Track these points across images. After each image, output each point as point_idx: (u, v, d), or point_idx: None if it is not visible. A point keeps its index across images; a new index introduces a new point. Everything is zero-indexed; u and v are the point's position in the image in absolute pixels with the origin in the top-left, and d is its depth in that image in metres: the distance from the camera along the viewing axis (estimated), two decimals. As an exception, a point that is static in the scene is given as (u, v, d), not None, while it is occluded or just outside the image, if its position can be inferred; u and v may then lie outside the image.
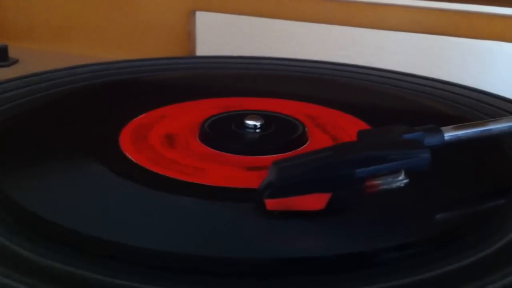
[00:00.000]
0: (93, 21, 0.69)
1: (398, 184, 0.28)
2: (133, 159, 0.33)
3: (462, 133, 0.32)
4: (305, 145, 0.36)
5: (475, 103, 0.45)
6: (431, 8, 0.58)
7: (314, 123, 0.39)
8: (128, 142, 0.35)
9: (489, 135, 0.33)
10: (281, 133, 0.36)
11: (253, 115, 0.37)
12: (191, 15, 0.64)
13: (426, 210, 0.30)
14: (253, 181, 0.29)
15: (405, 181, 0.28)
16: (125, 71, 0.50)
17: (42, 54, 0.69)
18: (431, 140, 0.31)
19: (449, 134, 0.32)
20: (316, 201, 0.28)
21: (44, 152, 0.34)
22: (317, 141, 0.36)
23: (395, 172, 0.28)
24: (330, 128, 0.39)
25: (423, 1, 0.58)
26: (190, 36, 0.64)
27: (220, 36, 0.63)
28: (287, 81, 0.50)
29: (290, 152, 0.34)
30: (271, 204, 0.28)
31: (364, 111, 0.41)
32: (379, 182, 0.28)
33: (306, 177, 0.28)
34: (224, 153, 0.34)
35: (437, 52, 0.59)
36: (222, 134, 0.36)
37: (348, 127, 0.39)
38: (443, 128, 0.32)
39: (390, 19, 0.59)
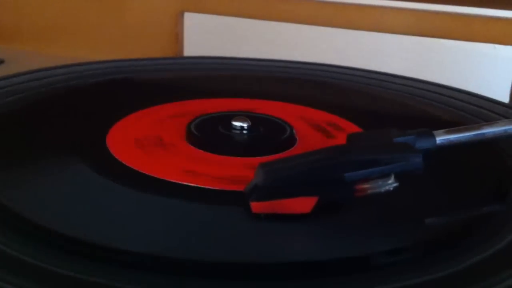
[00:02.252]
0: (81, 22, 0.69)
1: (387, 187, 0.28)
2: (120, 160, 0.32)
3: (454, 137, 0.32)
4: (293, 147, 0.35)
5: (469, 107, 0.45)
6: (427, 11, 0.58)
7: (304, 125, 0.39)
8: (115, 143, 0.35)
9: (482, 139, 0.33)
10: (269, 135, 0.36)
11: (241, 116, 0.36)
12: (179, 16, 0.63)
13: (419, 214, 0.29)
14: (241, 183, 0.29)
15: (395, 184, 0.28)
16: (111, 71, 0.50)
17: (29, 55, 0.68)
18: (423, 143, 0.31)
19: (441, 138, 0.32)
20: (302, 205, 0.27)
21: (30, 152, 0.34)
22: (306, 143, 0.36)
23: (385, 176, 0.28)
24: (320, 130, 0.38)
25: (419, 4, 0.58)
26: (178, 38, 0.64)
27: (208, 38, 0.63)
28: (275, 82, 0.50)
29: (278, 154, 0.34)
30: (257, 206, 0.27)
31: (356, 113, 0.41)
32: (369, 185, 0.28)
33: (293, 180, 0.27)
34: (211, 154, 0.34)
35: (433, 54, 0.58)
36: (209, 135, 0.35)
37: (340, 129, 0.38)
38: (435, 132, 0.32)
39: (386, 21, 0.59)
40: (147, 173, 0.31)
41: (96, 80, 0.48)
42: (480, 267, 0.25)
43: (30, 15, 0.71)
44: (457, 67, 0.58)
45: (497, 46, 0.57)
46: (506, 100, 0.59)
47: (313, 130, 0.38)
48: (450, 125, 0.33)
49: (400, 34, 0.59)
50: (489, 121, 0.39)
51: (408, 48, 0.59)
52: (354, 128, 0.39)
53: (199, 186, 0.30)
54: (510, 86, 0.58)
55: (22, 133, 0.37)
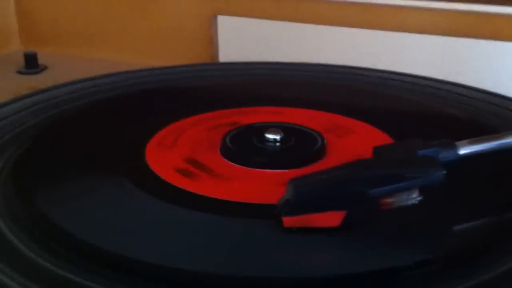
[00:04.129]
0: (117, 26, 0.71)
1: (412, 201, 0.30)
2: (159, 175, 0.35)
3: (477, 148, 0.33)
4: (323, 158, 0.37)
5: (495, 109, 0.46)
6: (452, 10, 0.58)
7: (335, 134, 0.41)
8: (153, 156, 0.37)
9: (506, 148, 0.34)
10: (300, 147, 0.38)
11: (273, 128, 0.38)
12: (212, 20, 0.65)
13: (444, 226, 0.31)
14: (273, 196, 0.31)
15: (419, 198, 0.30)
16: (148, 80, 0.52)
17: (69, 59, 0.71)
18: (445, 155, 0.32)
19: (464, 149, 0.33)
20: (331, 218, 0.29)
21: (73, 167, 0.37)
22: (336, 153, 0.38)
23: (409, 189, 0.30)
24: (350, 139, 0.40)
25: (444, 3, 0.58)
26: (212, 41, 0.66)
27: (242, 41, 0.64)
28: (308, 87, 0.51)
29: (308, 166, 0.36)
30: (288, 221, 0.29)
31: (384, 119, 0.43)
32: (393, 200, 0.30)
33: (321, 195, 0.29)
34: (243, 167, 0.36)
35: (458, 54, 0.59)
36: (243, 148, 0.38)
37: (368, 138, 0.40)
38: (458, 143, 0.33)
39: (411, 21, 0.60)
40: (185, 189, 0.33)
41: (133, 90, 0.50)
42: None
43: (68, 20, 0.74)
44: (483, 67, 0.58)
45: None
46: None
47: (342, 138, 0.40)
48: (475, 129, 0.34)
49: (425, 34, 0.59)
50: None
51: (436, 48, 0.59)
52: (381, 136, 0.40)
53: (235, 200, 0.32)
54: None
55: (66, 146, 0.40)
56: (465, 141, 0.34)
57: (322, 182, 0.30)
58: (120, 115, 0.45)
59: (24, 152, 0.38)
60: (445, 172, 0.29)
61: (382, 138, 0.40)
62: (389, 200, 0.30)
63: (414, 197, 0.30)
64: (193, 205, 0.32)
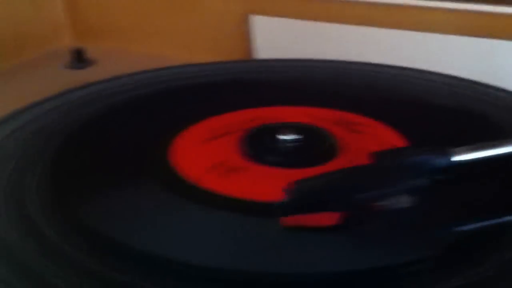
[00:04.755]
0: (160, 22, 0.76)
1: (402, 205, 0.33)
2: (186, 179, 0.38)
3: (473, 156, 0.35)
4: (337, 157, 0.41)
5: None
6: (479, 11, 0.60)
7: (351, 134, 0.44)
8: (181, 158, 0.41)
9: (504, 156, 0.36)
10: (312, 147, 0.41)
11: (286, 128, 0.42)
12: (246, 19, 0.69)
13: (436, 227, 0.34)
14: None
15: (409, 202, 0.33)
16: (182, 77, 0.56)
17: (116, 54, 0.75)
18: (441, 161, 0.35)
19: (458, 156, 0.35)
20: (327, 218, 0.33)
21: (104, 170, 0.41)
22: (348, 154, 0.41)
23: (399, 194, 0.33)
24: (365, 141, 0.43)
25: (472, 4, 0.60)
26: (246, 40, 0.69)
27: (275, 40, 0.68)
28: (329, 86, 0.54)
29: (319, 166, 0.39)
30: (286, 220, 0.33)
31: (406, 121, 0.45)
32: (383, 203, 0.33)
33: (313, 198, 0.33)
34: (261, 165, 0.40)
35: (485, 55, 0.60)
36: (261, 147, 0.41)
37: (384, 138, 0.43)
38: (453, 150, 0.35)
39: (437, 22, 0.61)
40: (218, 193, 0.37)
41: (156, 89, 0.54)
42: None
43: (115, 15, 0.79)
44: (505, 68, 0.59)
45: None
46: None
47: (354, 136, 0.43)
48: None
49: (452, 35, 0.61)
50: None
51: (461, 49, 0.61)
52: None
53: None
54: None
55: (97, 146, 0.43)
56: (463, 147, 0.35)
57: (316, 186, 0.33)
58: (151, 112, 0.49)
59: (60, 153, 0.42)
60: (428, 180, 0.32)
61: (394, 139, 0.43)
62: (380, 203, 0.33)
63: (404, 201, 0.33)
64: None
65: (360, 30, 0.64)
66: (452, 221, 0.34)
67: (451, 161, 0.35)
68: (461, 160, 0.35)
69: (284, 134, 0.41)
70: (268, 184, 0.37)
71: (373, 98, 0.51)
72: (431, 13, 0.62)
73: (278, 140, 0.41)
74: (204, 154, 0.42)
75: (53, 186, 0.38)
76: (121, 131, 0.46)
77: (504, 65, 0.59)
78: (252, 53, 0.69)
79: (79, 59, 0.71)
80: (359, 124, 0.46)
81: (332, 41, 0.65)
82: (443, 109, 0.49)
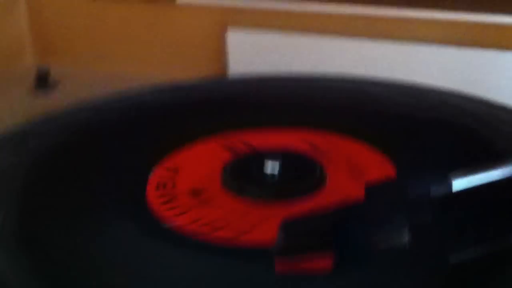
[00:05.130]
0: (128, 38, 0.73)
1: (401, 241, 0.31)
2: (159, 215, 0.36)
3: (473, 181, 0.33)
4: (322, 188, 0.38)
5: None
6: (463, 21, 0.58)
7: (334, 159, 0.41)
8: (154, 194, 0.38)
9: (507, 179, 0.34)
10: (297, 178, 0.39)
11: (270, 160, 0.39)
12: (223, 32, 0.66)
13: (439, 263, 0.31)
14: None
15: (408, 237, 0.30)
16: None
17: (82, 74, 0.72)
18: (438, 190, 0.32)
19: (458, 183, 0.33)
20: (323, 262, 0.30)
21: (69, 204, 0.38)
22: (335, 183, 0.39)
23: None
24: (349, 165, 0.41)
25: (455, 14, 0.58)
26: (222, 54, 0.67)
27: (253, 54, 0.65)
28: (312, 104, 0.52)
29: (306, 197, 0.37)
30: (280, 267, 0.30)
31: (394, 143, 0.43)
32: (383, 241, 0.31)
33: (311, 240, 0.31)
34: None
35: (469, 65, 0.59)
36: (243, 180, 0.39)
37: (370, 163, 0.41)
38: (452, 176, 0.33)
39: (421, 32, 0.60)
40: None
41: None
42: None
43: (81, 33, 0.75)
44: (491, 78, 0.58)
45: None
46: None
47: (341, 167, 0.41)
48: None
49: (435, 45, 0.59)
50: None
51: (444, 59, 0.60)
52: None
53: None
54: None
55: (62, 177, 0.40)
56: (460, 172, 0.33)
57: (311, 227, 0.31)
58: (124, 139, 0.46)
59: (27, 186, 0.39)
60: (431, 216, 0.30)
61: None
62: (378, 241, 0.31)
63: (403, 237, 0.31)
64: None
65: (340, 42, 0.62)
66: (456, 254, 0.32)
67: (452, 188, 0.33)
68: (463, 187, 0.33)
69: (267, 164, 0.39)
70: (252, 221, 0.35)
71: (351, 115, 0.49)
72: (413, 23, 0.60)
73: (261, 171, 0.39)
74: (184, 186, 0.39)
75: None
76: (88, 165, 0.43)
77: (489, 75, 0.58)
78: (228, 68, 0.67)
79: (44, 81, 0.67)
80: (335, 145, 0.44)
81: (313, 53, 0.63)
82: (425, 123, 0.47)
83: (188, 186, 0.39)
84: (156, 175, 0.40)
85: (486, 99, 0.49)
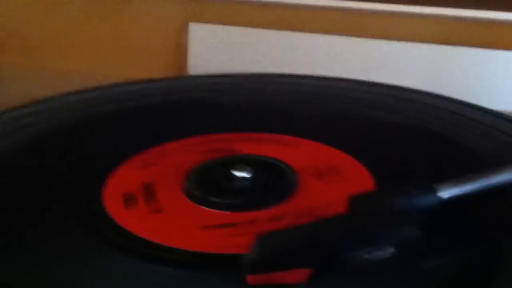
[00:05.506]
0: (80, 33, 0.69)
1: (384, 256, 0.28)
2: (117, 222, 0.33)
3: (460, 190, 0.32)
4: (293, 195, 0.35)
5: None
6: (448, 17, 0.57)
7: (309, 169, 0.39)
8: (111, 197, 0.35)
9: (493, 188, 0.33)
10: (268, 186, 0.36)
11: (240, 165, 0.36)
12: (184, 27, 0.63)
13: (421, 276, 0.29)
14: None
15: (392, 252, 0.28)
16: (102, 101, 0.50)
17: (29, 70, 0.68)
18: (425, 201, 0.31)
19: (445, 192, 0.31)
20: (298, 276, 0.28)
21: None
22: (308, 190, 0.36)
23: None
24: (322, 172, 0.38)
25: (439, 9, 0.57)
26: (182, 50, 0.64)
27: (215, 50, 0.62)
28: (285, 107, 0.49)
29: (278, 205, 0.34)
30: (253, 279, 0.28)
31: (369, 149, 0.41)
32: (365, 256, 0.28)
33: (289, 256, 0.28)
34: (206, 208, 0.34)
35: (454, 63, 0.58)
36: (206, 187, 0.36)
37: (345, 170, 0.39)
38: (438, 186, 0.32)
39: (403, 28, 0.58)
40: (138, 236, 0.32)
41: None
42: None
43: (27, 27, 0.71)
44: (477, 76, 0.57)
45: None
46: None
47: (313, 176, 0.38)
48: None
49: (418, 43, 0.58)
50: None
51: (427, 57, 0.58)
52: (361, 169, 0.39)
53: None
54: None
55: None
56: (447, 182, 0.32)
57: (290, 241, 0.28)
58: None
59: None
60: (418, 231, 0.28)
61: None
62: (362, 257, 0.28)
63: (387, 251, 0.28)
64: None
65: (310, 38, 0.60)
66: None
67: (440, 198, 0.31)
68: (450, 197, 0.32)
69: (236, 170, 0.36)
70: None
71: (316, 117, 0.47)
72: (385, 18, 0.58)
73: (229, 177, 0.36)
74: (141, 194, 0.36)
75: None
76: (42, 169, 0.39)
77: (462, 72, 0.57)
78: (190, 65, 0.63)
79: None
80: (307, 150, 0.41)
81: (277, 49, 0.61)
82: (400, 126, 0.45)
83: (147, 191, 0.36)
84: (116, 180, 0.37)
85: (458, 99, 0.48)
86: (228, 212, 0.34)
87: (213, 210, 0.34)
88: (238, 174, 0.36)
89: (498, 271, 0.29)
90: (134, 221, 0.33)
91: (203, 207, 0.34)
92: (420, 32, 0.58)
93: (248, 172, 0.36)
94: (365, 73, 0.55)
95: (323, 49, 0.60)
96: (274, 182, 0.37)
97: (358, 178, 0.37)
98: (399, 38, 0.58)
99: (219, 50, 0.62)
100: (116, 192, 0.36)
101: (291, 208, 0.34)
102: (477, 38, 0.56)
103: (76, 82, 0.55)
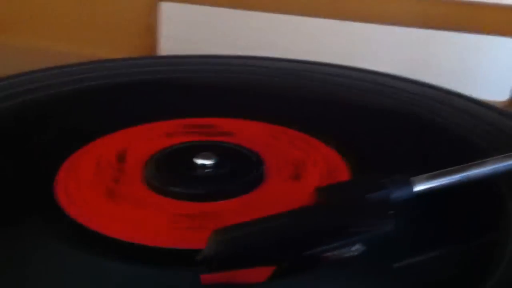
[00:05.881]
0: (48, 11, 0.66)
1: (352, 253, 0.26)
2: (67, 213, 0.30)
3: (435, 184, 0.30)
4: (261, 185, 0.33)
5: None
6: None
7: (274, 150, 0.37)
8: (63, 186, 0.33)
9: (467, 181, 0.31)
10: (235, 173, 0.34)
11: (204, 152, 0.34)
12: (154, 6, 0.61)
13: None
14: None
15: (360, 249, 0.26)
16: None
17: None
18: (399, 194, 0.29)
19: (420, 186, 0.30)
20: (257, 274, 0.26)
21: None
22: (275, 179, 0.34)
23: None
24: (293, 161, 0.36)
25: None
26: (152, 30, 0.61)
27: (186, 30, 0.60)
28: (255, 90, 0.47)
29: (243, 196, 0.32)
30: (207, 278, 0.26)
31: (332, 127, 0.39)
32: (332, 253, 0.26)
33: (248, 253, 0.26)
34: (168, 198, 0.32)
35: (435, 47, 0.56)
36: (167, 176, 0.33)
37: (311, 152, 0.37)
38: (413, 179, 0.30)
39: (385, 11, 0.56)
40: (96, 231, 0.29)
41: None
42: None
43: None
44: (457, 60, 0.55)
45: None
46: (506, 95, 0.57)
47: (283, 162, 0.36)
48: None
49: (401, 26, 0.56)
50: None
51: (409, 41, 0.56)
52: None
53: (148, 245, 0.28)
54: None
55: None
56: (422, 176, 0.30)
57: (251, 238, 0.26)
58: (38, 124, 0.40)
59: None
60: (393, 224, 0.26)
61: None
62: (327, 254, 0.26)
63: (355, 248, 0.26)
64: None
65: (285, 20, 0.57)
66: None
67: (414, 191, 0.29)
68: (423, 189, 0.30)
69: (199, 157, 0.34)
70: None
71: (289, 101, 0.44)
72: (364, 1, 0.56)
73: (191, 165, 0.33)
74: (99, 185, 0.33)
75: None
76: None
77: (439, 56, 0.56)
78: (160, 46, 0.61)
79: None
80: (278, 137, 0.39)
81: (248, 29, 0.59)
82: (370, 110, 0.43)
83: (108, 177, 0.34)
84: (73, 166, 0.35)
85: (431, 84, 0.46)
86: (186, 203, 0.31)
87: (171, 199, 0.32)
88: (200, 161, 0.34)
89: (480, 265, 0.27)
90: (88, 212, 0.30)
91: (161, 197, 0.32)
92: (400, 15, 0.56)
93: (210, 159, 0.34)
94: (344, 57, 0.53)
95: (300, 31, 0.58)
96: (239, 170, 0.34)
97: (331, 167, 0.35)
98: (379, 21, 0.56)
99: (191, 30, 0.60)
100: (71, 179, 0.34)
101: (256, 199, 0.32)
102: (458, 21, 0.54)
103: (43, 61, 0.52)
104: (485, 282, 0.26)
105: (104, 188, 0.33)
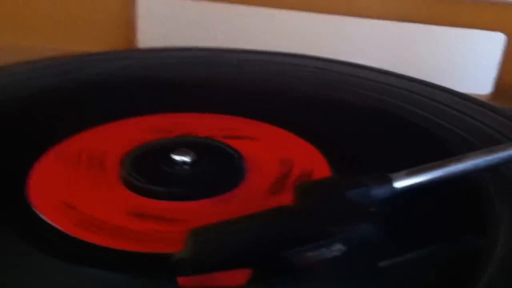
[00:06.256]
0: (22, 6, 0.65)
1: (333, 253, 0.26)
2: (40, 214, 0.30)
3: (415, 180, 0.29)
4: (241, 183, 0.32)
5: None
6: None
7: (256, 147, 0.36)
8: (36, 184, 0.32)
9: (451, 177, 0.30)
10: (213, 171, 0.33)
11: (182, 148, 0.33)
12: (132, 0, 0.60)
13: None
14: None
15: (341, 249, 0.26)
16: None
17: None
18: (379, 192, 0.28)
19: (401, 182, 0.29)
20: (236, 277, 0.25)
21: None
22: (257, 176, 0.33)
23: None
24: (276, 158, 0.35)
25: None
26: (131, 24, 0.60)
27: (165, 24, 0.59)
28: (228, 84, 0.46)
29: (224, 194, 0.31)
30: (184, 281, 0.25)
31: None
32: (312, 254, 0.26)
33: (226, 255, 0.25)
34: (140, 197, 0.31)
35: (413, 41, 0.56)
36: (141, 173, 0.32)
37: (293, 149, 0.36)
38: (394, 175, 0.29)
39: (362, 5, 0.55)
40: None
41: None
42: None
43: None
44: (439, 54, 0.55)
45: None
46: (489, 88, 0.57)
47: (267, 159, 0.35)
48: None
49: (383, 20, 0.56)
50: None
51: (392, 35, 0.56)
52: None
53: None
54: (494, 74, 0.56)
55: None
56: (402, 172, 0.29)
57: (229, 238, 0.25)
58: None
59: None
60: (372, 225, 0.26)
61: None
62: (308, 255, 0.26)
63: (336, 249, 0.26)
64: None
65: (264, 13, 0.57)
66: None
67: (395, 189, 0.29)
68: (404, 186, 0.29)
69: (176, 154, 0.33)
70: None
71: (267, 96, 0.43)
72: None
73: (168, 162, 0.33)
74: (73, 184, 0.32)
75: None
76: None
77: (421, 49, 0.56)
78: (139, 41, 0.60)
79: None
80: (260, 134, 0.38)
81: (227, 24, 0.58)
82: (356, 107, 0.42)
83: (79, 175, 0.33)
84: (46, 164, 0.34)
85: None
86: (162, 202, 0.31)
87: (147, 199, 0.31)
88: (178, 158, 0.33)
89: (463, 264, 0.27)
90: (59, 212, 0.30)
91: (137, 196, 0.31)
92: (383, 9, 0.56)
93: (189, 156, 0.33)
94: (328, 51, 0.52)
95: (278, 25, 0.57)
96: (218, 168, 0.34)
97: (312, 164, 0.34)
98: (362, 15, 0.56)
99: (169, 24, 0.59)
100: (44, 179, 0.33)
101: (236, 198, 0.31)
102: (441, 16, 0.54)
103: (17, 56, 0.51)
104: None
105: (76, 187, 0.32)
